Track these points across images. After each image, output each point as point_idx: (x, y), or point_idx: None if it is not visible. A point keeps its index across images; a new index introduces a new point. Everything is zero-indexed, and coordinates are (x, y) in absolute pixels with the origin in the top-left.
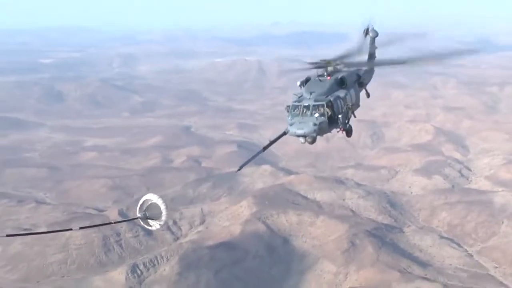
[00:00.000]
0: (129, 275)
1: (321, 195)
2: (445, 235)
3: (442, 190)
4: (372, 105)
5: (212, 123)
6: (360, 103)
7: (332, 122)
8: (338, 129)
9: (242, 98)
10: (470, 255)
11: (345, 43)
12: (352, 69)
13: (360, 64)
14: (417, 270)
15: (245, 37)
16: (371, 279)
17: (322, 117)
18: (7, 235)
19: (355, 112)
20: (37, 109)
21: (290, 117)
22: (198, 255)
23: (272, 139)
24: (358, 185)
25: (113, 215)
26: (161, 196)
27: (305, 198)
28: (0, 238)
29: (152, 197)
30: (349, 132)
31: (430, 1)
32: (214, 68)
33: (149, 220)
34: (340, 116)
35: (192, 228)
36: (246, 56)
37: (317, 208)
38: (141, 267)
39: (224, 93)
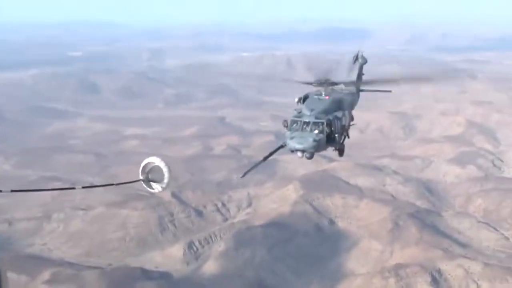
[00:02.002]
0: (186, 251)
1: (362, 181)
2: (481, 220)
3: (476, 179)
4: (401, 99)
5: (246, 115)
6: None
7: (329, 140)
8: (333, 148)
9: (273, 91)
10: (507, 238)
11: (367, 39)
12: (347, 91)
13: (353, 83)
14: (457, 250)
15: (272, 33)
16: (415, 257)
17: (321, 134)
18: (12, 191)
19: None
20: (74, 100)
21: (289, 131)
22: (251, 233)
23: (271, 151)
24: (395, 172)
25: (166, 197)
26: (163, 159)
27: (347, 183)
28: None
29: (155, 160)
30: (341, 151)
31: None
32: (242, 62)
33: (151, 183)
34: (337, 135)
35: (240, 210)
36: (270, 51)
37: (359, 192)
38: (197, 244)
39: (254, 87)
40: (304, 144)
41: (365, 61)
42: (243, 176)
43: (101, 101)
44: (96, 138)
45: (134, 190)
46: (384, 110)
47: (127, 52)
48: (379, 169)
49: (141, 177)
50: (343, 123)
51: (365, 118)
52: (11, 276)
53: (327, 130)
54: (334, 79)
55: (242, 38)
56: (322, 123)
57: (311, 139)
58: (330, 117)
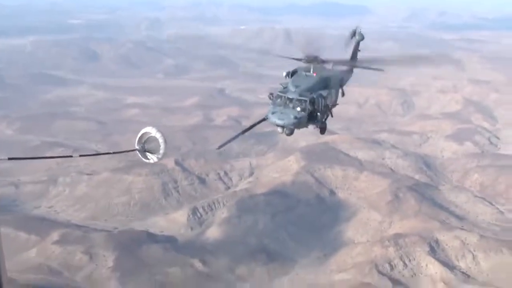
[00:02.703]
0: (190, 216)
1: (362, 154)
2: (477, 194)
3: (473, 155)
4: (399, 75)
5: (245, 87)
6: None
7: (311, 118)
8: (315, 126)
9: (272, 64)
10: (502, 212)
11: (366, 15)
12: (336, 69)
13: (344, 62)
14: (454, 222)
15: (268, 6)
16: (414, 227)
17: (303, 112)
18: (9, 158)
19: (333, 111)
20: (75, 68)
21: (272, 105)
22: (254, 201)
23: (251, 123)
24: (394, 147)
25: (170, 164)
26: (160, 130)
27: (348, 155)
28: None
29: (151, 130)
30: (323, 129)
31: None
32: (241, 35)
33: (147, 153)
34: (319, 113)
35: (242, 179)
36: (269, 24)
37: (359, 165)
38: (200, 210)
39: (253, 59)
40: (284, 120)
41: (362, 38)
42: (219, 147)
43: (101, 69)
44: (97, 106)
45: (137, 157)
46: (383, 86)
47: (126, 21)
48: (378, 143)
49: (136, 147)
50: (327, 102)
51: (364, 93)
52: (21, 235)
53: (310, 108)
54: (326, 56)
55: (240, 10)
56: (305, 101)
57: (292, 116)
58: (314, 95)
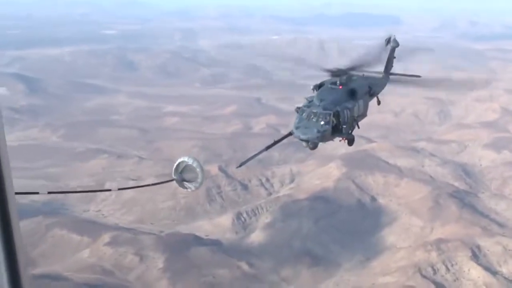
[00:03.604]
0: (235, 221)
1: (402, 162)
2: None
3: (511, 163)
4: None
5: (281, 96)
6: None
7: (336, 131)
8: (341, 138)
9: (306, 74)
10: None
11: (395, 25)
12: (365, 80)
13: (375, 73)
14: (495, 228)
15: (298, 17)
16: (455, 233)
17: (327, 126)
18: (48, 192)
19: (361, 122)
20: (112, 77)
21: (297, 120)
22: (297, 206)
23: (276, 139)
24: (433, 155)
25: (214, 170)
26: (196, 159)
27: (387, 163)
28: (111, 185)
29: (188, 160)
30: (350, 141)
31: None
32: (275, 44)
33: (184, 183)
34: (345, 126)
35: (283, 185)
36: (301, 35)
37: (399, 172)
38: (245, 215)
39: (288, 69)
40: (308, 135)
41: (397, 45)
42: (240, 165)
43: (138, 79)
44: (137, 114)
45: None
46: (419, 95)
47: (159, 31)
48: (417, 151)
49: (174, 177)
50: (354, 114)
51: (400, 102)
52: (73, 237)
53: (334, 121)
54: (356, 68)
55: (271, 20)
56: (329, 114)
57: (315, 130)
58: (339, 108)
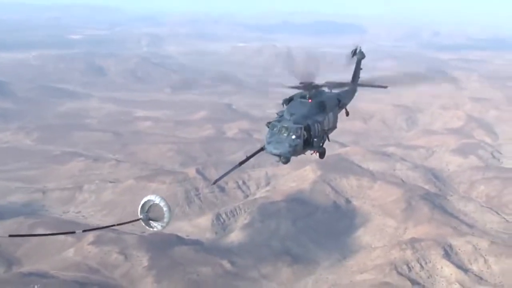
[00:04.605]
0: (214, 221)
1: (374, 165)
2: (484, 204)
3: (478, 167)
4: (400, 93)
5: (251, 102)
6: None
7: (307, 144)
8: (312, 151)
9: (275, 81)
10: (508, 222)
11: (360, 34)
12: (333, 92)
13: (343, 85)
14: (465, 229)
15: (264, 24)
16: (428, 233)
17: (298, 140)
18: (10, 235)
19: (331, 135)
20: (82, 81)
21: (269, 135)
22: (275, 207)
23: (248, 155)
24: (403, 159)
25: (191, 173)
26: (163, 198)
27: (360, 167)
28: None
29: (155, 199)
30: (322, 154)
31: None
32: (243, 52)
33: (151, 222)
34: (315, 139)
35: (259, 188)
36: (266, 42)
37: (372, 175)
38: (223, 216)
39: (257, 76)
40: (280, 149)
41: (363, 56)
42: (215, 182)
43: (108, 84)
44: (110, 118)
45: (159, 166)
46: (386, 103)
47: (126, 37)
48: (388, 155)
49: (140, 216)
50: (324, 127)
51: (369, 109)
52: (57, 237)
53: (305, 135)
54: (326, 76)
55: (237, 28)
56: (300, 128)
57: (287, 144)
58: (309, 121)
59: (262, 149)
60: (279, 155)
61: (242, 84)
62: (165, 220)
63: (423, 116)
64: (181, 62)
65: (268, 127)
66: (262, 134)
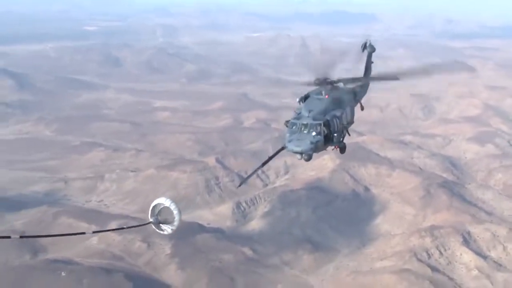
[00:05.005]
0: (235, 210)
1: (391, 154)
2: (502, 192)
3: (495, 155)
4: (415, 83)
5: (267, 92)
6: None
7: (328, 140)
8: (333, 147)
9: (290, 71)
10: None
11: (371, 23)
12: (349, 87)
13: (356, 80)
14: (483, 216)
15: (275, 14)
16: (446, 220)
17: (319, 136)
18: (21, 237)
19: (349, 129)
20: (99, 73)
21: (288, 133)
22: (295, 196)
23: (270, 155)
24: (420, 147)
25: (211, 162)
26: (173, 201)
27: (378, 155)
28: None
29: (165, 202)
30: (343, 149)
31: None
32: (257, 41)
33: (161, 225)
34: (335, 134)
35: (278, 176)
36: (280, 32)
37: (390, 164)
38: (244, 204)
39: (271, 66)
40: (301, 147)
41: (373, 50)
42: (240, 185)
43: (125, 74)
44: (127, 109)
45: (178, 155)
46: (403, 91)
47: (140, 28)
48: (405, 144)
49: (150, 219)
50: (343, 121)
51: (385, 98)
52: (82, 225)
53: (325, 131)
54: (336, 75)
55: (250, 18)
56: (320, 124)
57: (308, 142)
58: (328, 117)
59: (283, 148)
60: (301, 153)
61: (257, 74)
62: (175, 223)
63: (439, 104)
64: (196, 52)
65: (287, 126)
66: (279, 124)
